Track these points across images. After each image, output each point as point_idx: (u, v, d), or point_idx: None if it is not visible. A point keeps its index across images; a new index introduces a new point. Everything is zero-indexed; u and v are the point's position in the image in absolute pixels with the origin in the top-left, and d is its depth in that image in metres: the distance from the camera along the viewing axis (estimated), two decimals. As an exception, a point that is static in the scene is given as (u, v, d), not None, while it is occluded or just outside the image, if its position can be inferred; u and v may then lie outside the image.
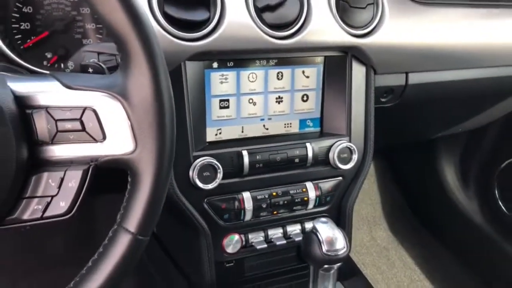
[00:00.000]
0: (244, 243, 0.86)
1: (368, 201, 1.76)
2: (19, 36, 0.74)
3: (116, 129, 0.48)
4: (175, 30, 0.71)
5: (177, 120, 0.75)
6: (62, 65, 0.77)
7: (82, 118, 0.47)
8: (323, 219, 0.72)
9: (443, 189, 1.62)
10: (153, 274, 0.99)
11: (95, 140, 0.48)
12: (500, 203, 1.51)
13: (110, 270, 0.47)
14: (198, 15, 0.73)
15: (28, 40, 0.75)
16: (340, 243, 0.69)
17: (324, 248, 0.68)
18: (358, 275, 0.90)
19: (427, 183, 1.69)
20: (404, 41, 0.90)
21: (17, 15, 0.74)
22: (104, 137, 0.48)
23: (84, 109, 0.47)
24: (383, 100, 0.97)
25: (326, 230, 0.70)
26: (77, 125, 0.47)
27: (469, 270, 1.56)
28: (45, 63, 0.76)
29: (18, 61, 0.71)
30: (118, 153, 0.48)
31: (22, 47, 0.75)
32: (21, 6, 0.74)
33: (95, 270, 0.47)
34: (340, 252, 0.69)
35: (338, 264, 0.70)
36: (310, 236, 0.71)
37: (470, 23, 0.98)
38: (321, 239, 0.69)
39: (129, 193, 0.49)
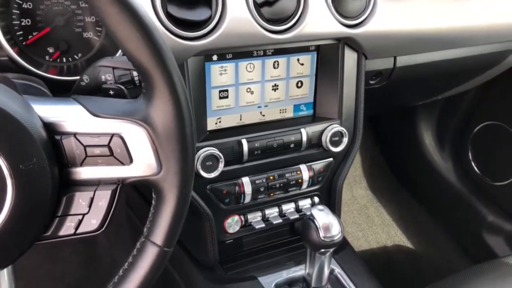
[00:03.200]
0: (243, 223, 0.92)
1: (349, 161, 1.84)
2: (21, 32, 0.74)
3: (142, 154, 0.51)
4: (178, 30, 0.73)
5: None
6: (64, 59, 0.79)
7: (110, 144, 0.50)
8: (320, 207, 0.78)
9: (421, 151, 1.71)
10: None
11: (123, 164, 0.52)
12: (472, 164, 1.62)
13: (139, 279, 0.52)
14: (200, 14, 0.74)
15: (30, 36, 0.75)
16: (336, 229, 0.76)
17: (321, 234, 0.75)
18: (347, 248, 0.98)
19: (406, 145, 1.77)
20: (394, 28, 0.94)
21: (18, 11, 0.74)
22: (131, 161, 0.52)
23: (112, 135, 0.50)
24: (371, 82, 1.02)
25: (323, 217, 0.77)
26: (105, 150, 0.50)
27: (442, 225, 1.69)
28: (47, 57, 0.77)
29: (19, 60, 0.71)
30: (144, 175, 0.52)
31: (24, 43, 0.75)
32: (21, 2, 0.74)
33: (127, 279, 0.53)
34: (336, 238, 0.76)
35: (334, 248, 0.77)
36: (307, 222, 0.77)
37: (455, 6, 1.01)
38: (318, 226, 0.76)
39: (155, 209, 0.53)
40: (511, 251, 1.50)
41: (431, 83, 1.19)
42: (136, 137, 0.51)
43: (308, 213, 0.79)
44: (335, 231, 0.76)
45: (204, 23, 0.75)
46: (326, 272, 0.81)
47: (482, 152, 1.59)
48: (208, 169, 0.83)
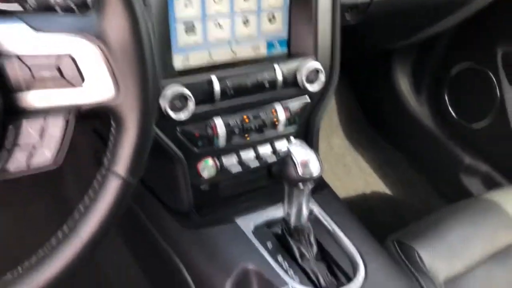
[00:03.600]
0: (218, 167, 0.88)
1: (325, 111, 1.81)
2: None
3: (96, 74, 0.46)
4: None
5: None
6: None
7: (59, 65, 0.45)
8: (297, 142, 0.74)
9: (397, 97, 1.69)
10: (132, 207, 1.01)
11: (74, 86, 0.46)
12: (449, 108, 1.61)
13: (102, 215, 0.48)
14: None
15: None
16: (314, 165, 0.73)
17: (300, 170, 0.72)
18: (326, 189, 0.96)
19: (382, 92, 1.75)
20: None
21: None
22: (84, 83, 0.46)
23: (61, 55, 0.44)
24: (348, 17, 0.97)
25: (301, 153, 0.73)
26: (54, 72, 0.45)
27: (420, 171, 1.69)
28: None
29: None
30: (100, 99, 0.47)
31: None
32: None
33: (88, 215, 0.48)
34: (315, 173, 0.72)
35: (312, 184, 0.74)
36: (285, 159, 0.73)
37: None
38: (296, 162, 0.72)
39: (115, 137, 0.48)
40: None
41: (409, 20, 1.15)
42: (88, 56, 0.45)
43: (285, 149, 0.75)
44: (313, 166, 0.73)
45: None
46: (306, 209, 0.78)
47: (458, 96, 1.58)
48: (177, 110, 0.77)
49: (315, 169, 0.73)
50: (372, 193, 1.68)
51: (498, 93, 1.45)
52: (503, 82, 1.43)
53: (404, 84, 1.68)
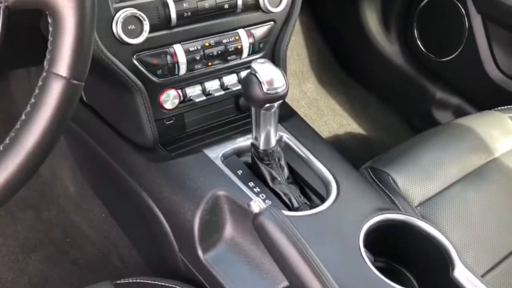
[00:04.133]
0: (182, 98, 0.84)
1: (295, 56, 1.78)
2: None
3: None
4: None
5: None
6: None
7: None
8: (261, 60, 0.71)
9: (366, 37, 1.66)
10: (93, 146, 0.96)
11: None
12: (418, 42, 1.59)
13: (47, 120, 0.44)
14: None
15: None
16: (280, 81, 0.69)
17: (265, 87, 0.68)
18: (294, 116, 0.93)
19: (350, 32, 1.72)
20: None
21: None
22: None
23: None
24: None
25: (265, 70, 0.69)
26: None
27: (391, 109, 1.69)
28: None
29: None
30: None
31: None
32: None
33: (30, 122, 0.44)
34: (280, 90, 0.69)
35: (279, 102, 0.71)
36: (249, 78, 0.70)
37: None
38: (261, 80, 0.69)
39: (53, 35, 0.44)
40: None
41: None
42: None
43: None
44: (279, 83, 0.69)
45: None
46: (274, 131, 0.75)
47: (427, 29, 1.56)
48: (131, 34, 0.73)
49: (280, 85, 0.69)
50: (345, 133, 1.67)
51: (467, 23, 1.43)
52: (471, 11, 1.41)
53: (372, 22, 1.65)
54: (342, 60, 1.82)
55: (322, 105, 1.73)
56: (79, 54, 0.44)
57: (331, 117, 1.68)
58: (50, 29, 0.44)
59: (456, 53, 1.49)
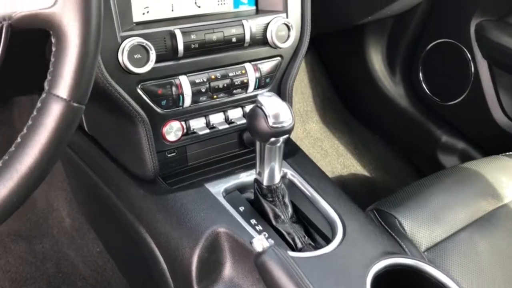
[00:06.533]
0: (185, 130, 0.82)
1: (300, 95, 1.78)
2: None
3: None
4: None
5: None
6: None
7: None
8: (267, 93, 0.69)
9: (371, 77, 1.66)
10: (92, 177, 0.94)
11: None
12: (424, 85, 1.59)
13: (44, 143, 0.41)
14: None
15: None
16: (286, 115, 0.67)
17: (271, 121, 0.66)
18: (299, 152, 0.91)
19: (355, 72, 1.72)
20: None
21: None
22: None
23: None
24: (317, -26, 0.93)
25: (271, 103, 0.68)
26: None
27: (396, 151, 1.66)
28: None
29: None
30: (36, 8, 0.40)
31: None
32: None
33: (26, 145, 0.42)
34: (287, 124, 0.67)
35: (285, 137, 0.69)
36: (255, 110, 0.68)
37: None
38: (267, 113, 0.67)
39: (55, 55, 0.42)
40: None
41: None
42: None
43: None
44: (285, 117, 0.67)
45: None
46: (278, 167, 0.73)
47: (432, 73, 1.56)
48: (137, 63, 0.72)
49: (286, 119, 0.67)
50: (349, 174, 1.64)
51: (472, 68, 1.43)
52: (477, 56, 1.41)
53: (377, 63, 1.65)
54: (346, 100, 1.82)
55: (326, 145, 1.71)
56: (81, 75, 0.42)
57: (335, 158, 1.66)
58: (53, 49, 0.43)
59: (462, 97, 1.49)
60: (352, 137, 1.74)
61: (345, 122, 1.78)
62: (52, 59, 0.42)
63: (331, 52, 1.81)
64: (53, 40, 0.42)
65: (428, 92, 1.58)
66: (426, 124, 1.59)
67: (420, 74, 1.59)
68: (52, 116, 0.42)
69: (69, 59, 0.41)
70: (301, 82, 1.79)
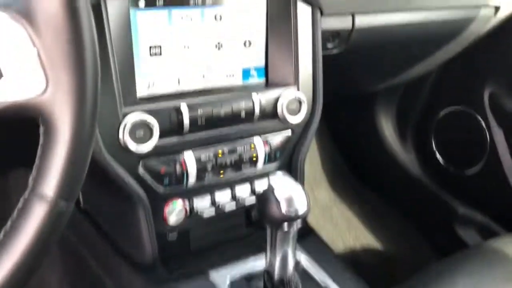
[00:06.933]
0: (188, 211, 0.75)
1: (307, 160, 1.71)
2: None
3: (18, 63, 0.35)
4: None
5: (101, 70, 0.63)
6: None
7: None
8: (279, 173, 0.64)
9: (381, 144, 1.61)
10: (85, 257, 0.86)
11: None
12: (437, 154, 1.53)
13: (23, 250, 0.35)
14: None
15: None
16: (301, 200, 0.61)
17: (284, 207, 0.60)
18: (313, 235, 0.84)
19: (365, 139, 1.67)
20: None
21: None
22: (1, 75, 0.35)
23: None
24: (329, 46, 0.90)
25: (284, 187, 0.62)
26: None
27: (410, 222, 1.58)
28: None
29: None
30: (24, 97, 0.35)
31: None
32: None
33: (6, 250, 0.35)
34: (301, 211, 0.61)
35: (299, 225, 0.62)
36: (266, 195, 0.62)
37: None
38: (279, 198, 0.61)
39: (43, 148, 0.37)
40: (485, 242, 1.40)
41: (393, 54, 1.09)
42: (9, 37, 0.35)
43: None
44: (300, 203, 0.61)
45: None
46: (292, 257, 0.65)
47: (446, 141, 1.51)
48: (139, 141, 0.67)
49: (301, 206, 0.61)
50: (361, 248, 1.55)
51: (488, 137, 1.38)
52: (492, 124, 1.36)
53: (388, 129, 1.61)
54: (355, 166, 1.76)
55: (336, 213, 1.63)
56: (71, 174, 0.37)
57: (346, 228, 1.58)
58: (41, 140, 0.37)
59: (478, 166, 1.42)
60: (363, 206, 1.66)
61: (355, 190, 1.71)
62: (39, 151, 0.37)
63: (339, 117, 1.77)
64: (41, 129, 0.37)
65: (441, 160, 1.52)
66: (441, 195, 1.52)
67: (433, 142, 1.53)
68: (34, 220, 0.36)
69: (58, 156, 0.36)
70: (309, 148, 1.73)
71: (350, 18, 0.88)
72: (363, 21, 0.90)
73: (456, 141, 1.48)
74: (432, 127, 1.52)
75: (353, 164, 1.76)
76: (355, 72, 1.13)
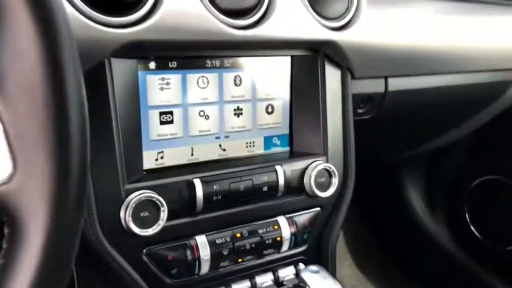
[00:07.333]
0: (200, 307, 0.63)
1: (328, 233, 1.58)
2: None
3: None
4: (93, 13, 0.50)
5: (102, 141, 0.54)
6: None
7: None
8: (313, 268, 0.52)
9: (409, 216, 1.48)
10: None
11: None
12: (471, 226, 1.39)
13: None
14: (127, -8, 0.52)
15: None
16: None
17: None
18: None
19: (391, 211, 1.54)
20: (384, 37, 0.75)
21: None
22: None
23: None
24: (360, 111, 0.81)
25: (319, 284, 0.50)
26: None
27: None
28: None
29: None
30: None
31: None
32: None
33: None
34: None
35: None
36: (298, 294, 0.50)
37: (458, 20, 0.85)
38: (314, 298, 0.49)
39: (7, 253, 0.26)
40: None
41: (426, 120, 1.00)
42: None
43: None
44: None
45: (133, 5, 0.53)
46: None
47: (482, 213, 1.37)
48: (144, 223, 0.56)
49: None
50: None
51: (529, 208, 1.25)
52: (533, 195, 1.24)
53: (416, 199, 1.48)
54: (382, 241, 1.61)
55: (362, 294, 1.47)
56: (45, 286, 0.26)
57: (374, 311, 1.41)
58: (5, 244, 0.27)
59: (520, 242, 1.28)
60: (391, 284, 1.50)
61: (382, 266, 1.55)
62: (2, 258, 0.27)
63: (360, 185, 1.65)
64: (5, 229, 0.27)
65: (477, 234, 1.38)
66: (479, 273, 1.36)
67: (466, 213, 1.40)
68: None
69: (26, 264, 0.26)
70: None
71: (382, 81, 0.79)
72: (397, 84, 0.81)
73: (493, 213, 1.34)
74: (465, 197, 1.39)
75: (379, 238, 1.62)
76: (383, 139, 1.04)
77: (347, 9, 0.70)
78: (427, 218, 1.47)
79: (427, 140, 1.12)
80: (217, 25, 0.57)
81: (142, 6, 0.53)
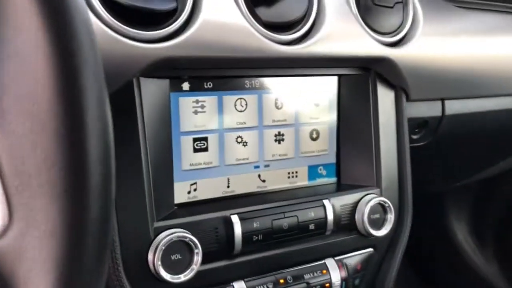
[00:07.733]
0: None
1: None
2: None
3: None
4: (121, 26, 0.44)
5: (129, 173, 0.46)
6: None
7: None
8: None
9: (454, 250, 1.36)
10: None
11: None
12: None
13: None
14: (159, 3, 0.46)
15: None
16: None
17: None
18: None
19: (434, 243, 1.43)
20: (442, 54, 0.67)
21: None
22: None
23: None
24: (414, 137, 0.72)
25: None
26: None
27: None
28: None
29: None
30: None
31: None
32: None
33: None
34: None
35: None
36: None
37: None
38: None
39: None
40: None
41: (482, 147, 0.90)
42: None
43: None
44: None
45: (165, 18, 0.46)
46: None
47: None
48: (175, 268, 0.48)
49: None
50: None
51: None
52: None
53: (461, 231, 1.37)
54: (425, 278, 1.49)
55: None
56: None
57: None
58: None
59: None
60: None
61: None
62: None
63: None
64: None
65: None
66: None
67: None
68: None
69: None
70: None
71: (439, 103, 0.71)
72: (454, 107, 0.73)
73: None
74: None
75: (423, 275, 1.49)
76: (432, 167, 0.94)
77: (402, 23, 0.62)
78: (474, 253, 1.35)
79: (481, 168, 1.01)
80: (259, 40, 0.50)
81: (176, 19, 0.46)
